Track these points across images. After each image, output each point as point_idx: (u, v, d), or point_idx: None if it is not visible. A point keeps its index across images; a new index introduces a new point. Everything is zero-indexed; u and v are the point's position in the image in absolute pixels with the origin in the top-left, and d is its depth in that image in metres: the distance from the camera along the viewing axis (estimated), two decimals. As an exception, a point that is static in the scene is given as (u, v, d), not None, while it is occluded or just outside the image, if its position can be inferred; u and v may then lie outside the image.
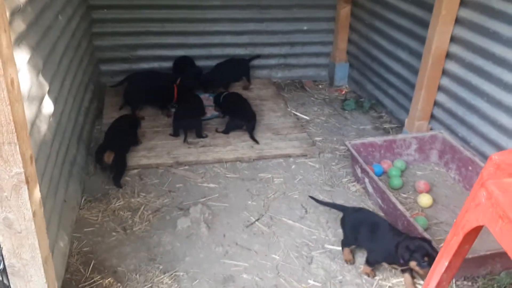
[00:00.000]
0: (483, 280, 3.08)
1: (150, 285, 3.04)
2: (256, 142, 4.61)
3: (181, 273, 3.14)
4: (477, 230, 1.62)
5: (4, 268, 1.92)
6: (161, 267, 3.19)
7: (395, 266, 3.04)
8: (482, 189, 1.47)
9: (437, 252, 2.70)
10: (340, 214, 3.47)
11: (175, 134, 4.66)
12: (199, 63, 5.79)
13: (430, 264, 2.73)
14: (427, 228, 3.49)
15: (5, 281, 1.94)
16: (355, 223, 3.26)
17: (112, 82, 5.69)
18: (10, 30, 2.47)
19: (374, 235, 3.10)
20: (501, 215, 1.33)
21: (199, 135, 4.63)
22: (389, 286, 3.08)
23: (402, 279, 3.09)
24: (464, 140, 4.12)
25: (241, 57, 5.93)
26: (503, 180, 1.42)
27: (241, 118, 4.77)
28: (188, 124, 4.61)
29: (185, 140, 4.55)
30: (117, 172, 4.01)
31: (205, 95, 5.22)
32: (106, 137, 4.31)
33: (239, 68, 5.78)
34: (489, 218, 1.41)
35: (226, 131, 4.75)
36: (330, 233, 3.54)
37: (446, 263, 1.78)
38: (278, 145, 4.58)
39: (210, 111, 5.10)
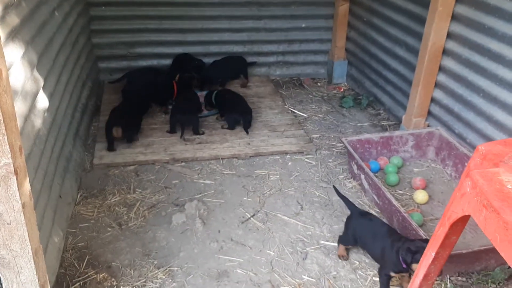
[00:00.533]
0: (478, 276, 3.08)
1: (144, 280, 3.04)
2: (247, 133, 4.67)
3: (176, 268, 3.14)
4: (463, 220, 1.62)
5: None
6: (155, 262, 3.19)
7: (403, 273, 2.92)
8: (467, 179, 1.47)
9: None
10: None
11: (172, 131, 4.66)
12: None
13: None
14: (423, 224, 3.48)
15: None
16: (358, 227, 3.18)
17: (110, 79, 5.70)
18: (4, 24, 2.49)
19: (375, 244, 3.03)
20: (485, 204, 1.33)
21: (196, 131, 4.63)
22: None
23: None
24: (460, 137, 4.12)
25: (239, 54, 5.93)
26: (488, 169, 1.42)
27: (238, 112, 4.77)
28: (185, 120, 4.61)
29: (181, 136, 4.55)
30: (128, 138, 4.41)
31: (202, 93, 5.22)
32: (112, 114, 4.50)
33: (236, 65, 5.78)
34: (474, 208, 1.40)
35: (231, 127, 4.76)
36: (325, 229, 3.54)
37: (433, 254, 1.78)
38: (275, 142, 4.58)
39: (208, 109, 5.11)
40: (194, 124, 4.64)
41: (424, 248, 2.70)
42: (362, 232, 3.14)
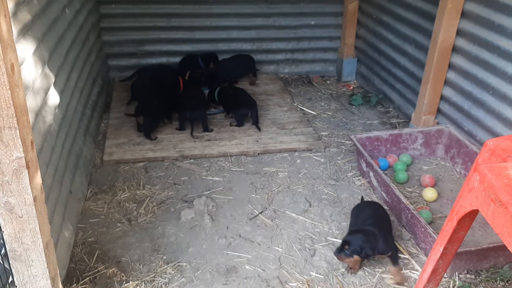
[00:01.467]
0: (486, 273, 3.06)
1: (153, 275, 3.06)
2: (259, 129, 4.69)
3: (184, 264, 3.16)
4: (471, 215, 1.61)
5: (6, 253, 1.95)
6: (164, 257, 3.21)
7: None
8: (475, 174, 1.46)
9: (370, 243, 2.89)
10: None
11: (181, 128, 4.68)
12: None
13: (353, 252, 2.95)
14: (431, 221, 3.47)
15: (7, 266, 1.98)
16: (358, 210, 3.35)
17: (120, 76, 5.75)
18: (16, 20, 2.52)
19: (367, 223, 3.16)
20: (493, 198, 1.33)
21: (206, 128, 4.65)
22: (390, 278, 3.07)
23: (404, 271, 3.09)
24: (470, 134, 4.09)
25: (248, 52, 5.94)
26: (496, 164, 1.42)
27: (245, 106, 4.79)
28: (195, 117, 4.62)
29: (192, 133, 4.57)
30: (145, 129, 4.55)
31: (206, 91, 5.24)
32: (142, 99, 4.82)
33: (245, 63, 5.79)
34: (482, 202, 1.40)
35: (239, 124, 4.79)
36: (334, 226, 3.54)
37: (441, 249, 1.77)
38: (283, 139, 4.59)
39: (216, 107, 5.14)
40: (204, 120, 4.66)
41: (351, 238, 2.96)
42: (360, 214, 3.33)
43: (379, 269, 3.15)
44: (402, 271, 3.09)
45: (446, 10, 3.95)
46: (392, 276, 3.06)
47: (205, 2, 5.70)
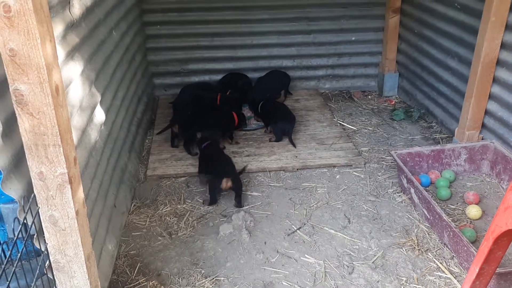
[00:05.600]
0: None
1: (191, 288, 3.12)
2: (293, 145, 4.70)
3: (222, 278, 3.21)
4: (508, 235, 1.57)
5: (50, 264, 2.06)
6: (203, 271, 3.27)
7: None
8: (510, 192, 1.43)
9: None
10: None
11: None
12: (247, 75, 5.91)
13: None
14: (475, 240, 3.36)
15: (50, 276, 2.08)
16: None
17: (164, 95, 5.95)
18: (64, 43, 2.68)
19: None
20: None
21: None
22: (431, 298, 2.99)
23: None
24: (517, 150, 3.95)
25: (288, 68, 5.99)
26: (530, 182, 1.38)
27: (281, 120, 4.84)
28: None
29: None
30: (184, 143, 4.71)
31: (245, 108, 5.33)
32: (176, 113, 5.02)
33: (280, 81, 5.76)
34: (515, 221, 1.37)
35: (278, 139, 4.83)
36: (373, 243, 3.49)
37: (477, 269, 1.73)
38: (322, 154, 4.58)
39: (255, 123, 5.21)
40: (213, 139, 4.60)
41: None
42: None
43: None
44: None
45: (490, 23, 3.86)
46: None
47: (246, 21, 5.82)
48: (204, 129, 4.55)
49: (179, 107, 5.22)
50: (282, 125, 4.83)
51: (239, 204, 3.92)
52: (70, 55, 2.84)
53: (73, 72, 2.86)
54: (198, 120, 4.73)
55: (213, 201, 3.94)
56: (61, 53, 2.64)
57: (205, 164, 4.18)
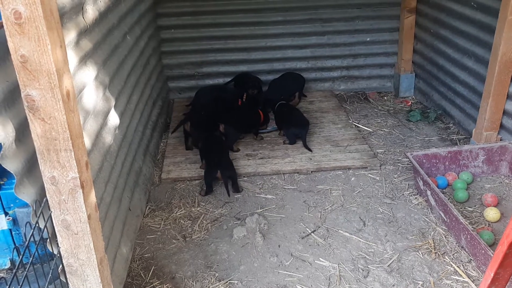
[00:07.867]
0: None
1: (205, 292, 3.12)
2: (310, 150, 4.65)
3: (236, 281, 3.20)
4: (523, 240, 1.53)
5: (63, 268, 2.08)
6: (217, 274, 3.27)
7: None
8: (524, 196, 1.39)
9: None
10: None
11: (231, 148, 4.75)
12: (261, 77, 5.90)
13: None
14: (493, 243, 3.30)
15: (63, 279, 2.10)
16: None
17: (179, 98, 5.97)
18: (77, 49, 2.71)
19: None
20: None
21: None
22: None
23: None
24: (536, 151, 3.87)
25: (303, 70, 5.96)
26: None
27: (294, 125, 4.81)
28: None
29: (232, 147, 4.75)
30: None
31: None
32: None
33: (294, 83, 5.74)
34: (529, 225, 1.33)
35: (291, 142, 4.81)
36: (389, 246, 3.45)
37: (492, 274, 1.69)
38: (337, 157, 4.55)
39: (270, 124, 5.19)
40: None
41: None
42: None
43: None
44: None
45: (507, 22, 3.78)
46: None
47: (260, 23, 5.82)
48: (231, 124, 4.72)
49: (198, 107, 5.23)
50: (294, 130, 4.81)
51: (236, 190, 4.16)
52: (84, 60, 2.86)
53: (87, 77, 2.89)
54: (224, 115, 4.86)
55: (209, 190, 4.16)
56: (74, 58, 2.67)
57: (204, 154, 4.48)
